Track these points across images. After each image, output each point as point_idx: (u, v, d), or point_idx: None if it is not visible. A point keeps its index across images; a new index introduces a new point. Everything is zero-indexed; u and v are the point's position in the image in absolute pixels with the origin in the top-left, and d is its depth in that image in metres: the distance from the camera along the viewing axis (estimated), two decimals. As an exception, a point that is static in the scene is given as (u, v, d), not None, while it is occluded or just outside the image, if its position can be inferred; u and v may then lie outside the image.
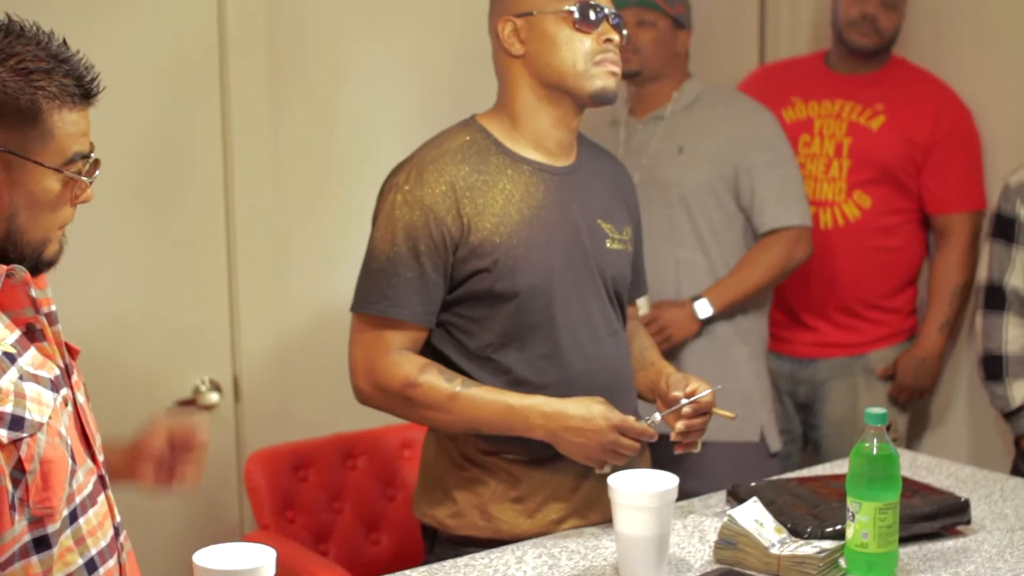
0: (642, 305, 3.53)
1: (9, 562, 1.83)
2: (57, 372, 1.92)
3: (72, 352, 2.02)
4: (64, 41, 1.92)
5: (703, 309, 3.62)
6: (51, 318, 1.96)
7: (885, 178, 4.00)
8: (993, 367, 3.74)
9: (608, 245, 2.70)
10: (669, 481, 2.31)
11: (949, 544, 2.48)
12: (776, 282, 3.73)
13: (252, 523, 3.47)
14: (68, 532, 1.89)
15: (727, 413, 2.62)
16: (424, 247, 2.54)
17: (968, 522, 2.54)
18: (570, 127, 2.67)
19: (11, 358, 1.83)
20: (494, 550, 2.50)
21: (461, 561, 2.44)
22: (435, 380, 2.54)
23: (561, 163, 2.67)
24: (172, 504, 3.29)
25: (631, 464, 2.62)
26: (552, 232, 2.61)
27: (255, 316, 3.54)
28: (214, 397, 3.49)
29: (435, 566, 2.43)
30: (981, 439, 4.13)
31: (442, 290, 2.57)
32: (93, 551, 1.93)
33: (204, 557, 1.90)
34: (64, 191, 1.90)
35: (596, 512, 2.62)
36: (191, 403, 3.46)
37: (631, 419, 2.50)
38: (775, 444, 3.71)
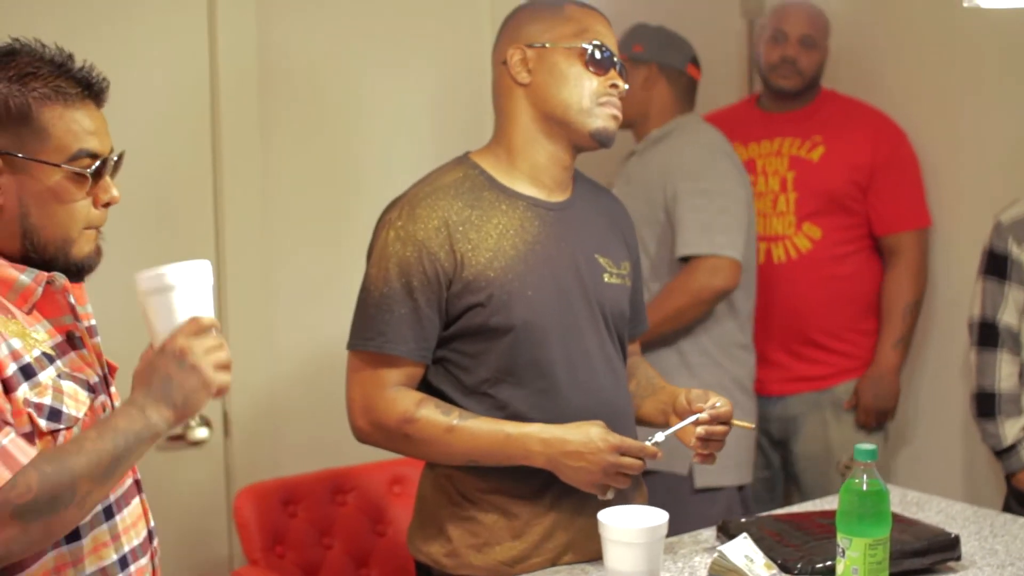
0: None
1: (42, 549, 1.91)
2: (96, 379, 2.01)
3: (111, 368, 2.11)
4: (68, 53, 1.98)
5: None
6: (91, 331, 2.05)
7: (832, 207, 4.06)
8: (985, 404, 3.73)
9: (606, 279, 2.69)
10: (659, 517, 2.30)
11: (940, 580, 2.48)
12: (693, 311, 3.69)
13: (241, 559, 3.45)
14: (104, 527, 1.98)
15: (747, 424, 2.63)
16: (418, 283, 2.53)
17: (958, 558, 2.53)
18: (564, 164, 2.67)
19: (50, 358, 1.93)
20: (483, 586, 2.48)
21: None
22: (432, 414, 2.53)
23: (556, 198, 2.68)
24: (161, 539, 3.27)
25: (627, 500, 2.61)
26: (548, 267, 2.60)
27: (245, 351, 3.53)
28: (203, 432, 3.47)
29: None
30: (975, 476, 4.13)
31: (437, 326, 2.57)
32: (127, 548, 2.02)
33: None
34: (74, 187, 1.96)
35: (593, 547, 2.60)
36: (180, 438, 3.45)
37: (628, 439, 2.49)
38: (704, 480, 3.67)
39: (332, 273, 3.63)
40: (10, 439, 1.80)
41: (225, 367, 1.96)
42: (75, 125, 1.95)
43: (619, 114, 2.65)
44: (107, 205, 2.02)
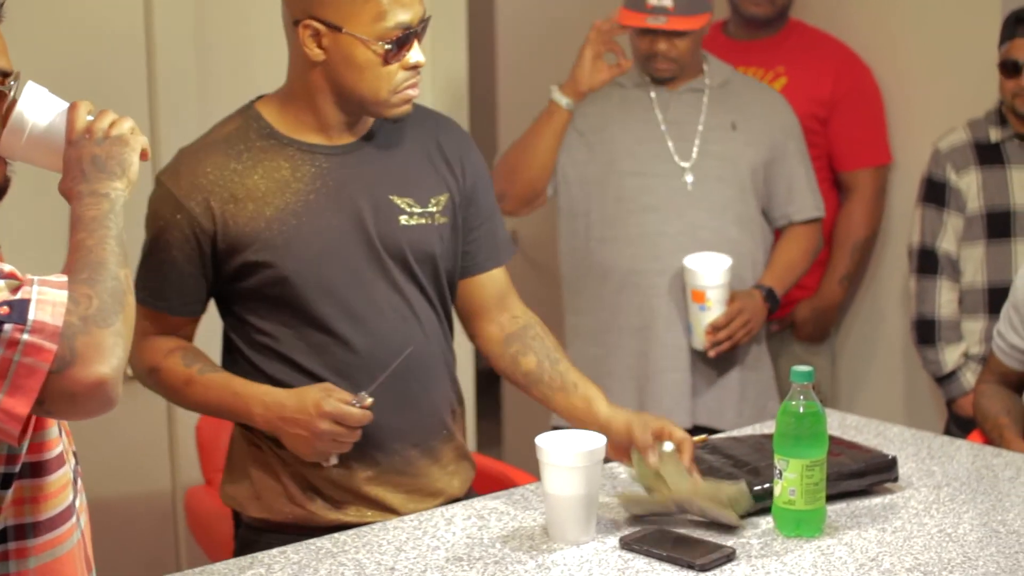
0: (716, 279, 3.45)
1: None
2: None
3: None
4: None
5: (773, 300, 3.62)
6: None
7: None
8: (925, 331, 3.77)
9: (403, 222, 2.55)
10: (597, 441, 2.31)
11: (877, 501, 2.49)
12: None
13: (184, 489, 3.46)
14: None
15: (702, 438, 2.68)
16: (175, 240, 2.49)
17: (895, 479, 2.55)
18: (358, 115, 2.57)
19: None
20: (423, 512, 2.48)
21: (391, 524, 2.43)
22: (175, 365, 2.53)
23: (345, 140, 2.55)
24: (102, 469, 3.25)
25: (435, 454, 2.62)
26: (322, 216, 2.50)
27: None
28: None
29: (364, 529, 2.41)
30: (915, 402, 4.17)
31: (202, 282, 2.53)
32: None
33: None
34: None
35: (401, 480, 2.59)
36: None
37: (344, 407, 2.41)
38: None
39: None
40: (38, 278, 1.74)
41: (135, 131, 1.94)
42: None
43: (417, 92, 2.51)
44: None
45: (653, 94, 3.63)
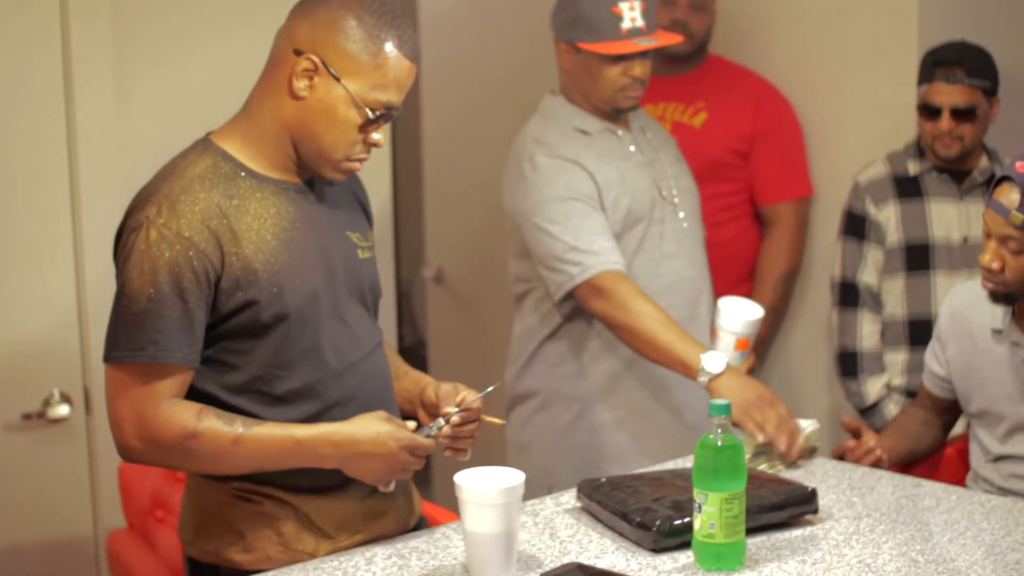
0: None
1: None
2: None
3: None
4: None
5: None
6: None
7: (712, 173, 4.02)
8: (848, 364, 3.80)
9: (360, 256, 2.61)
10: (515, 477, 2.30)
11: (797, 533, 2.50)
12: None
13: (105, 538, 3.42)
14: None
15: (497, 420, 2.60)
16: (188, 283, 2.36)
17: (815, 511, 2.56)
18: None
19: None
20: (343, 553, 2.47)
21: (310, 565, 2.41)
22: (216, 425, 2.38)
23: (302, 178, 2.55)
24: (23, 520, 3.22)
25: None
26: (308, 252, 2.50)
27: (105, 324, 3.47)
28: (64, 410, 3.41)
29: (284, 570, 2.39)
30: (839, 433, 4.17)
31: (204, 326, 2.42)
32: None
33: None
34: None
35: (381, 524, 2.59)
36: (40, 416, 3.38)
37: (418, 437, 2.45)
38: None
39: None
40: None
41: None
42: None
43: (361, 167, 2.52)
44: None
45: (627, 138, 3.57)
